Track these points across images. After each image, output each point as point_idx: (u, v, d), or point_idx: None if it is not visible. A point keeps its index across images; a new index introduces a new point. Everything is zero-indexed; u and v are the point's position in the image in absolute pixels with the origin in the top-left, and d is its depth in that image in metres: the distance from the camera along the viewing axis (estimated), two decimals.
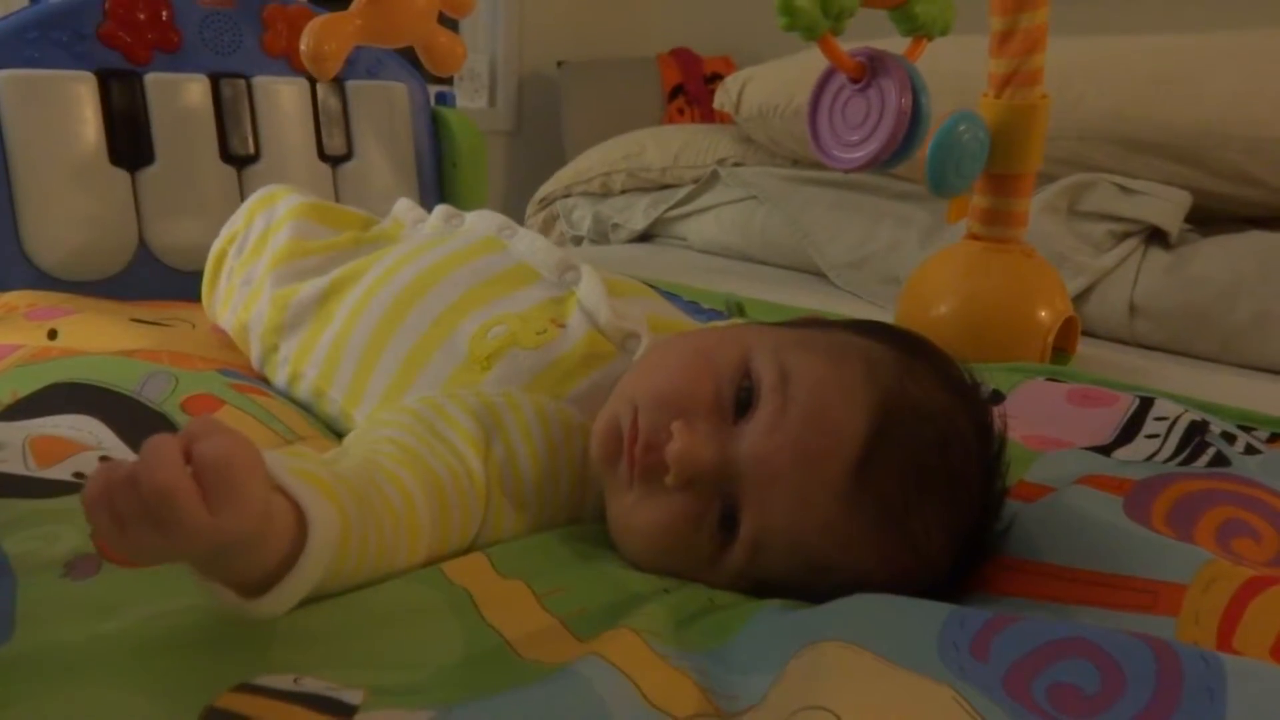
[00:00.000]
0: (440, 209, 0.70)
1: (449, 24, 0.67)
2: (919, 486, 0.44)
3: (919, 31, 0.74)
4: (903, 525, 0.44)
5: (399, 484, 0.44)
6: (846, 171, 0.77)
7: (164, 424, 0.58)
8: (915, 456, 0.44)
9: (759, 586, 0.46)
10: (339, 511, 0.38)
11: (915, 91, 0.71)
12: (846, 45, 0.74)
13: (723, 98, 1.48)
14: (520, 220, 1.71)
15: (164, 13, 0.92)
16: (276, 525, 0.36)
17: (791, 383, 0.45)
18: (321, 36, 0.53)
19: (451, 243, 0.64)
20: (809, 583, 0.44)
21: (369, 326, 0.59)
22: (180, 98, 0.92)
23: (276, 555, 0.36)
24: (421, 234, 0.69)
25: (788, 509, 0.44)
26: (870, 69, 0.73)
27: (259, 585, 0.36)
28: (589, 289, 0.57)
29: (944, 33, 0.75)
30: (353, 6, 0.56)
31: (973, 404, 0.48)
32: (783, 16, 0.65)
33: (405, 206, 0.73)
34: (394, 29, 0.56)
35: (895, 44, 0.76)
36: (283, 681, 0.35)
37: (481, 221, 0.66)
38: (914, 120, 0.71)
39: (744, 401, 0.46)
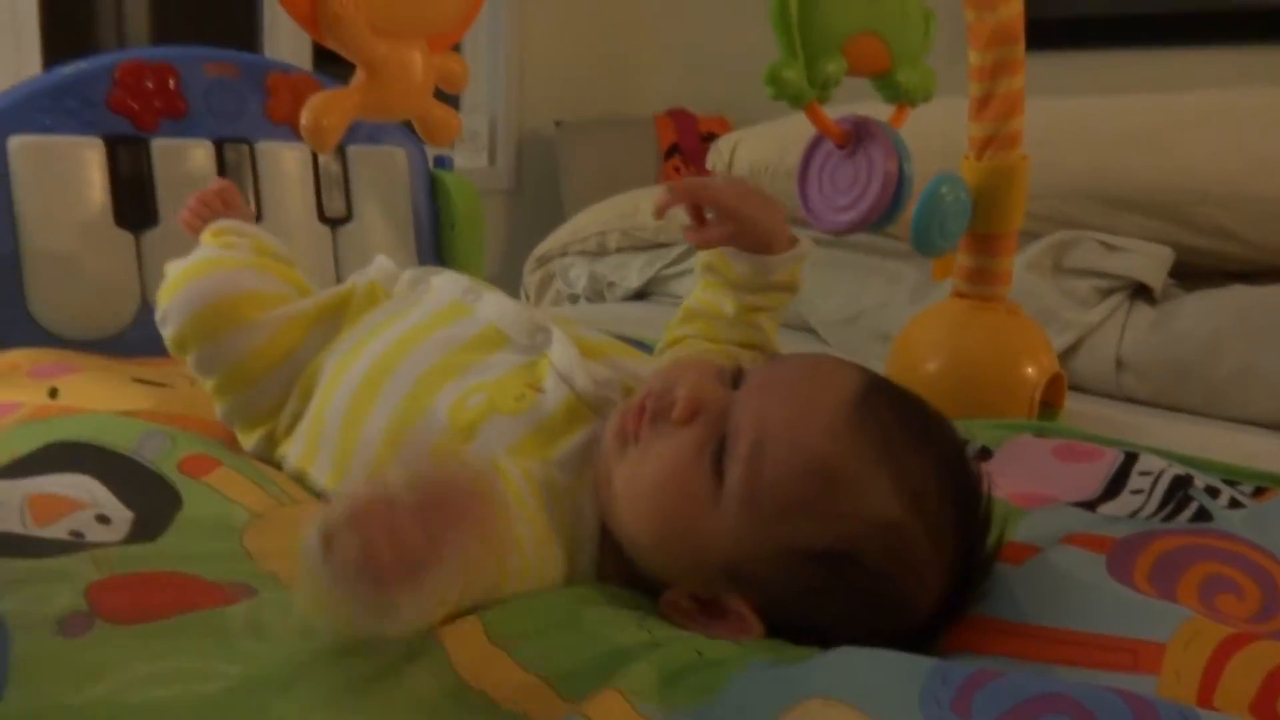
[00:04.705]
0: (408, 273, 0.70)
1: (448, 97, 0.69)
2: (917, 442, 0.47)
3: (902, 99, 0.77)
4: (902, 466, 0.46)
5: None
6: (835, 234, 0.79)
7: (160, 483, 0.58)
8: (909, 419, 0.48)
9: (758, 525, 0.46)
10: None
11: (899, 157, 0.74)
12: (833, 109, 0.77)
13: (715, 158, 1.52)
14: (518, 278, 1.74)
15: (171, 81, 0.95)
16: None
17: (779, 360, 0.51)
18: (320, 111, 0.55)
19: (417, 311, 0.64)
20: (812, 506, 0.45)
21: (342, 406, 0.60)
22: (185, 162, 0.95)
23: None
24: (389, 304, 0.68)
25: (788, 413, 0.47)
26: (856, 135, 0.76)
27: None
28: (561, 352, 0.58)
29: (926, 99, 0.77)
30: (352, 83, 0.58)
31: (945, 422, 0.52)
32: (770, 86, 0.68)
33: (383, 268, 0.72)
34: (391, 104, 0.58)
35: (879, 108, 0.79)
36: None
37: (448, 285, 0.66)
38: (898, 184, 0.74)
39: (738, 381, 0.50)
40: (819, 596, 0.46)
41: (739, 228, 0.67)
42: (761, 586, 0.47)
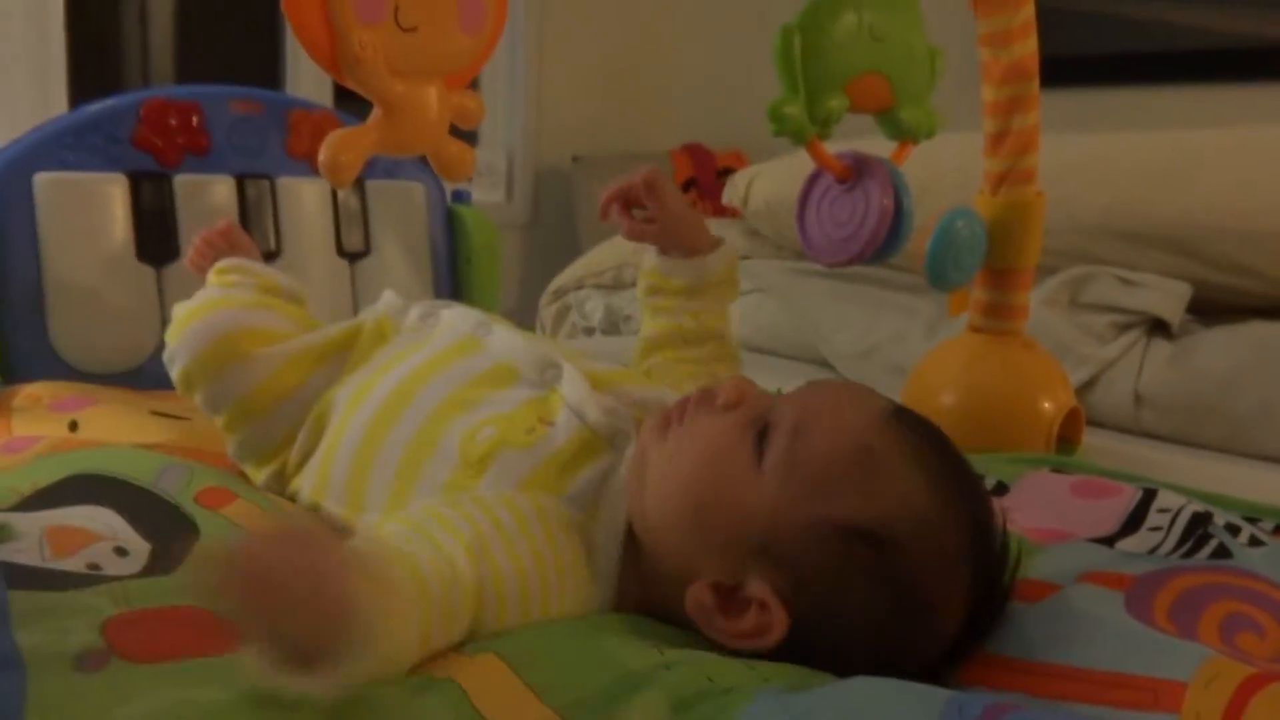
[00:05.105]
0: (417, 306, 0.70)
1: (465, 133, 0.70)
2: (946, 462, 0.49)
3: (905, 136, 0.77)
4: (935, 474, 0.48)
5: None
6: (831, 266, 0.80)
7: (178, 515, 0.59)
8: (936, 441, 0.51)
9: (798, 496, 0.47)
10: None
11: (897, 192, 0.74)
12: (836, 145, 0.78)
13: (731, 193, 1.53)
14: (535, 312, 1.75)
15: (195, 118, 0.97)
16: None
17: (816, 381, 0.55)
18: (338, 148, 0.57)
19: (429, 346, 0.64)
20: (853, 481, 0.46)
21: (355, 440, 0.60)
22: (207, 197, 0.96)
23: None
24: (400, 338, 0.68)
25: (829, 402, 0.51)
26: (856, 170, 0.77)
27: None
28: (571, 386, 0.58)
29: (929, 136, 0.78)
30: (369, 120, 0.60)
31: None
32: (773, 123, 0.69)
33: (391, 303, 0.72)
34: (407, 140, 0.60)
35: (882, 144, 0.79)
36: None
37: (458, 320, 0.67)
38: (896, 219, 0.75)
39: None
40: (851, 580, 0.46)
41: (664, 226, 0.72)
42: (793, 566, 0.47)
